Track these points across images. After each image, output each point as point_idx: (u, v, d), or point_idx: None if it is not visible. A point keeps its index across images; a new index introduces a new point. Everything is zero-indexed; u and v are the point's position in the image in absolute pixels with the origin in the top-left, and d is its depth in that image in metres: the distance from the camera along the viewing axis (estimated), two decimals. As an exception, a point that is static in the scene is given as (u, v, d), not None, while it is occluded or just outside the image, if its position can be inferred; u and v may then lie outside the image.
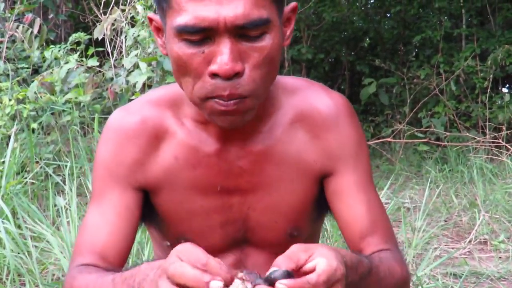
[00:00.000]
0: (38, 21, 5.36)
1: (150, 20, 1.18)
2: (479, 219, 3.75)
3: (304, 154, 1.24)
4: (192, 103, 1.14)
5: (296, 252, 0.93)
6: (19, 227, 2.83)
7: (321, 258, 0.91)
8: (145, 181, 1.24)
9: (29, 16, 5.48)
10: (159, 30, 1.16)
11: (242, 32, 1.03)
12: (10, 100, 4.09)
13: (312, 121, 1.25)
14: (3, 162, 3.39)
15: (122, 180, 1.23)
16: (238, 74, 1.04)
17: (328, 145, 1.25)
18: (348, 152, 1.25)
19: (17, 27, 5.36)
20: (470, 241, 3.55)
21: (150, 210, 1.29)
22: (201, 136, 1.22)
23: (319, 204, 1.30)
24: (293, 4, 1.17)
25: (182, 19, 1.02)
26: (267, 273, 0.90)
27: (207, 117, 1.13)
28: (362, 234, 1.22)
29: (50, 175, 3.52)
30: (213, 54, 1.04)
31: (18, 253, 2.59)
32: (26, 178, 3.56)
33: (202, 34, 1.03)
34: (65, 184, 3.24)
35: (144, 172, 1.24)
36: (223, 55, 1.02)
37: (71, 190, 3.05)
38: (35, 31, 5.30)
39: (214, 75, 1.04)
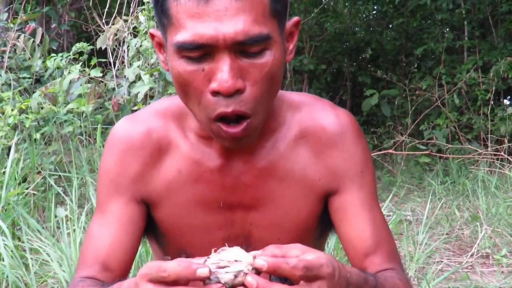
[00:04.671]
0: (40, 30, 5.37)
1: (152, 36, 1.17)
2: (481, 232, 3.73)
3: (308, 171, 1.23)
4: (198, 121, 1.13)
5: (290, 247, 0.93)
6: (19, 239, 2.82)
7: (311, 254, 0.91)
8: (147, 194, 1.24)
9: (31, 25, 5.49)
10: (161, 46, 1.16)
11: (242, 48, 1.02)
12: (12, 110, 4.08)
13: (317, 138, 1.23)
14: (4, 172, 3.38)
15: (125, 191, 1.23)
16: (239, 91, 1.03)
17: (333, 163, 1.23)
18: (353, 170, 1.23)
19: (19, 37, 5.37)
20: (472, 255, 3.53)
21: (151, 223, 1.28)
22: (204, 150, 1.21)
23: (323, 221, 1.28)
24: (295, 18, 1.15)
25: (181, 36, 1.01)
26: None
27: (214, 138, 1.12)
28: (366, 253, 1.21)
29: (51, 186, 3.51)
30: (213, 71, 1.03)
31: (17, 267, 2.57)
32: (27, 188, 3.55)
33: (202, 51, 1.02)
34: (66, 195, 3.23)
35: (146, 185, 1.23)
36: (223, 72, 1.01)
37: (72, 201, 3.04)
38: (37, 40, 5.31)
39: (215, 92, 1.03)
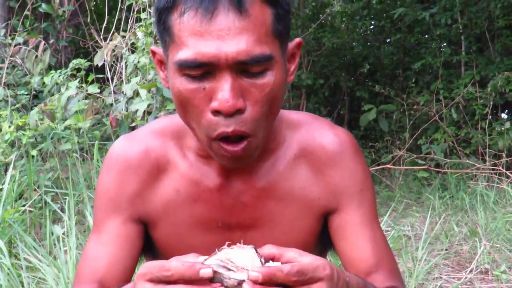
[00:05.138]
0: (42, 44, 5.38)
1: (153, 53, 1.17)
2: (480, 248, 3.72)
3: (308, 190, 1.23)
4: (198, 140, 1.13)
5: (288, 249, 0.94)
6: (15, 256, 2.80)
7: (307, 257, 0.92)
8: (145, 213, 1.23)
9: (33, 39, 5.49)
10: (161, 63, 1.16)
11: (243, 68, 1.02)
12: (9, 126, 4.07)
13: (316, 157, 1.23)
14: (1, 189, 3.36)
15: (123, 210, 1.23)
16: (239, 111, 1.03)
17: (332, 182, 1.23)
18: (353, 188, 1.24)
19: (19, 50, 5.37)
20: (471, 271, 3.51)
21: (149, 244, 1.28)
22: (203, 169, 1.21)
23: (322, 240, 1.28)
24: (297, 40, 1.16)
25: (183, 54, 1.01)
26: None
27: (214, 157, 1.12)
28: (367, 272, 1.20)
29: (48, 203, 3.49)
30: (214, 90, 1.03)
31: (14, 285, 2.55)
32: (24, 205, 3.53)
33: (203, 69, 1.02)
34: (63, 212, 3.22)
35: (144, 204, 1.23)
36: (224, 91, 1.01)
37: (69, 218, 3.02)
38: (39, 54, 5.30)
39: (216, 112, 1.03)
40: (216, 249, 0.92)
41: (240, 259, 0.90)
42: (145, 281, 0.89)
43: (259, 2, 1.02)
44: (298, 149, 1.23)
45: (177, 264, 0.88)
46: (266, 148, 1.20)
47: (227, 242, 0.94)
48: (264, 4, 1.03)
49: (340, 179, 1.23)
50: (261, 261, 0.91)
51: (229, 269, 0.89)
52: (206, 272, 0.87)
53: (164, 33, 1.06)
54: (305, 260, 0.91)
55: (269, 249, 0.93)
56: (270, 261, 0.93)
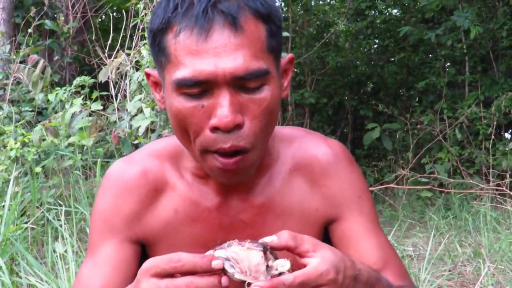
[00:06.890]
0: (42, 62, 5.39)
1: (148, 75, 1.18)
2: (484, 269, 3.69)
3: (306, 202, 1.24)
4: (192, 157, 1.13)
5: (304, 240, 0.95)
6: (17, 274, 2.78)
7: (315, 259, 0.92)
8: (143, 234, 1.23)
9: (33, 57, 5.51)
10: (157, 84, 1.17)
11: (241, 83, 1.03)
12: (15, 143, 4.07)
13: (311, 169, 1.25)
14: (3, 206, 3.35)
15: (120, 232, 1.23)
16: (238, 126, 1.04)
17: (330, 192, 1.25)
18: (351, 196, 1.25)
19: (24, 69, 5.39)
20: (475, 293, 3.48)
21: None
22: (201, 190, 1.22)
23: None
24: (289, 55, 1.18)
25: (181, 73, 1.02)
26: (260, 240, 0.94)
27: (208, 172, 1.12)
28: None
29: (50, 220, 3.48)
30: (212, 107, 1.03)
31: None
32: (27, 222, 3.52)
33: (201, 87, 1.03)
34: (65, 230, 3.20)
35: (142, 224, 1.23)
36: (222, 107, 1.02)
37: (70, 236, 3.01)
38: (38, 71, 5.31)
39: (215, 128, 1.03)
40: (225, 243, 0.93)
41: (246, 262, 0.91)
42: (150, 276, 0.89)
43: (253, 19, 1.03)
44: (293, 163, 1.25)
45: (188, 256, 0.88)
46: (261, 164, 1.21)
47: (236, 240, 0.95)
48: (257, 21, 1.04)
49: (337, 189, 1.25)
50: (267, 265, 0.92)
51: (234, 268, 0.90)
52: (217, 263, 0.89)
53: (160, 54, 1.07)
54: (309, 266, 0.92)
55: (285, 238, 0.94)
56: (278, 260, 0.94)
